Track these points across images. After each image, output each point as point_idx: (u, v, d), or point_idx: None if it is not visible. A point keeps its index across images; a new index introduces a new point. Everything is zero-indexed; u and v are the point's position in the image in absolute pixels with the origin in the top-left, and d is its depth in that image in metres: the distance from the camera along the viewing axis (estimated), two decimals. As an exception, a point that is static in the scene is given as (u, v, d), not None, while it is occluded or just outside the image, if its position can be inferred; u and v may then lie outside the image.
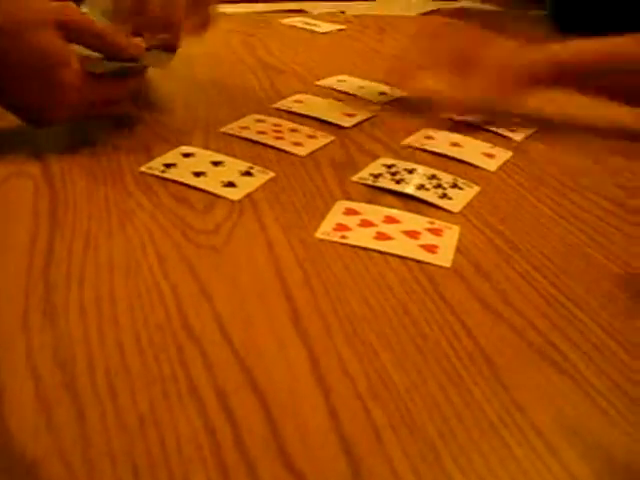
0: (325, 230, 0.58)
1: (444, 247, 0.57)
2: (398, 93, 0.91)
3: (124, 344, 0.43)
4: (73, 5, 0.67)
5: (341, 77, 0.96)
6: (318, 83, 0.94)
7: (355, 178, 0.67)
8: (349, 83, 0.94)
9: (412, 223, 0.60)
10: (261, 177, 0.65)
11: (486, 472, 0.37)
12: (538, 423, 0.40)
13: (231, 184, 0.63)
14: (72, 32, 0.65)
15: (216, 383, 0.41)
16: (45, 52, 0.63)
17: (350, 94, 0.90)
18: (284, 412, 0.39)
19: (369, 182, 0.66)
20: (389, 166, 0.70)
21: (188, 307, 0.47)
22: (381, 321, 0.48)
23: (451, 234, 0.59)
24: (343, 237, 0.57)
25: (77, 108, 0.67)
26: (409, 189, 0.66)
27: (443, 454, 0.38)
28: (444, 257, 0.56)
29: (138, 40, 0.72)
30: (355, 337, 0.46)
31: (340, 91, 0.91)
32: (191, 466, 0.36)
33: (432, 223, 0.60)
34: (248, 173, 0.66)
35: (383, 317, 0.48)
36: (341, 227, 0.58)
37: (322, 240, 0.56)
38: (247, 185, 0.64)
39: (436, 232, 0.59)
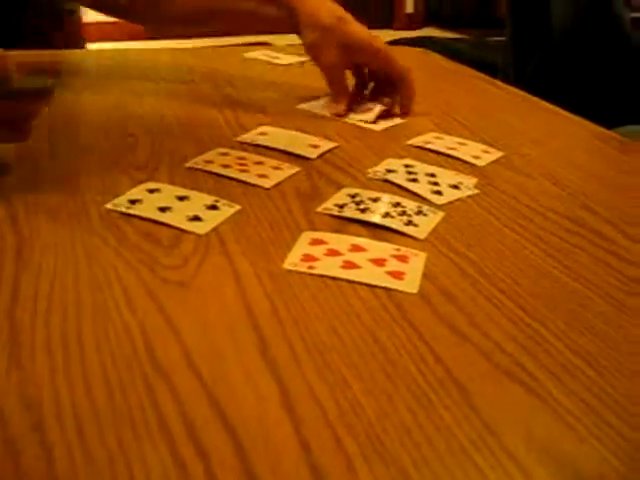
0: (292, 261, 0.58)
1: (411, 273, 0.57)
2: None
3: (91, 382, 0.43)
4: None
5: (302, 105, 0.98)
6: (279, 116, 0.94)
7: (320, 209, 0.67)
8: (310, 115, 0.96)
9: (378, 251, 0.60)
10: (227, 210, 0.65)
11: (459, 496, 0.37)
12: (509, 445, 0.41)
13: (197, 218, 0.63)
14: None
15: (185, 418, 0.41)
16: None
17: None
18: (255, 444, 0.39)
19: (334, 212, 0.67)
20: (353, 196, 0.70)
21: (156, 342, 0.47)
22: (350, 350, 0.48)
23: (417, 260, 0.59)
24: (311, 267, 0.57)
25: None
26: (375, 218, 0.66)
27: (416, 480, 0.38)
28: (411, 283, 0.56)
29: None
30: (324, 366, 0.46)
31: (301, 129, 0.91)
32: (162, 503, 0.35)
33: (398, 250, 0.61)
34: (214, 207, 0.66)
35: (352, 345, 0.48)
36: (308, 257, 0.58)
37: (290, 271, 0.57)
38: (213, 219, 0.64)
39: (402, 259, 0.59)
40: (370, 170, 0.77)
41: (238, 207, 0.66)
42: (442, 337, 0.50)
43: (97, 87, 1.07)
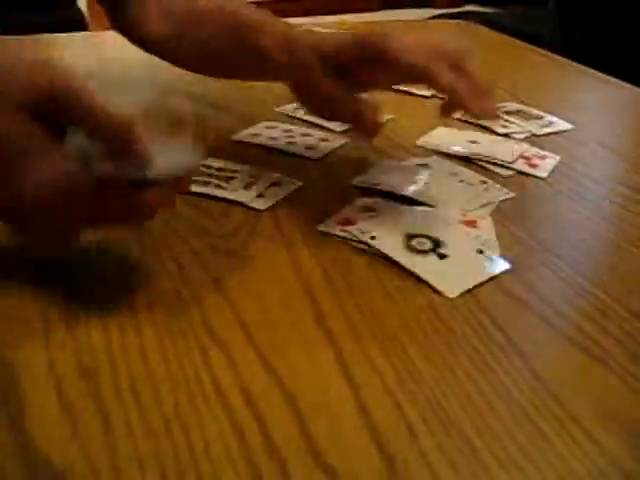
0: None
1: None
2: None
3: (147, 350, 0.42)
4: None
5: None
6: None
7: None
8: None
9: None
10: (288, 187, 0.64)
11: (524, 462, 0.36)
12: (574, 411, 0.39)
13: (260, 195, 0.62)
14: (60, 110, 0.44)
15: (242, 384, 0.40)
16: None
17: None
18: (312, 409, 0.38)
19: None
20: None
21: (210, 310, 0.46)
22: (406, 316, 0.47)
23: (487, 223, 0.58)
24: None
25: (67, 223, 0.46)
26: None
27: (479, 446, 0.37)
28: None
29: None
30: (381, 333, 0.45)
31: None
32: (220, 468, 0.35)
33: (464, 215, 0.59)
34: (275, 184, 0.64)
35: (408, 313, 0.47)
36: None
37: (342, 240, 0.55)
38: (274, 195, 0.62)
39: (471, 224, 0.58)
40: (422, 139, 0.76)
41: (299, 184, 0.65)
42: (500, 303, 0.49)
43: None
